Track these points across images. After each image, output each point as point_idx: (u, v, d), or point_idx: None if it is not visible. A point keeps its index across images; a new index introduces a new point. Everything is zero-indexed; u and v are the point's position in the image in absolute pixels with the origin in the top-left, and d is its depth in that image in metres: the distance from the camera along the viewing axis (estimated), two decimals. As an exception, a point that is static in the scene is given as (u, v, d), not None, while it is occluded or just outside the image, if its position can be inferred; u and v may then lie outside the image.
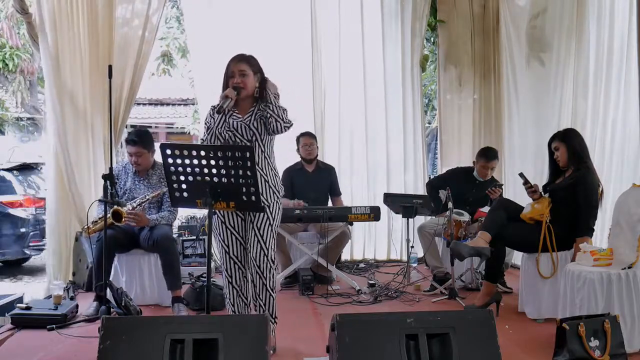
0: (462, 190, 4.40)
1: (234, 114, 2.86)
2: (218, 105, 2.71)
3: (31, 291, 4.86)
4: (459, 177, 4.59)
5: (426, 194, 4.77)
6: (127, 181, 3.94)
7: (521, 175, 3.66)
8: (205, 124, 2.92)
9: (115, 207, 3.54)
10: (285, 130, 2.81)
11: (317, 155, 4.90)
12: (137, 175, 3.95)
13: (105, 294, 3.42)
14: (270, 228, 2.84)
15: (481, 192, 4.38)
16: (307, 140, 4.79)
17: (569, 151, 3.48)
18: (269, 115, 2.75)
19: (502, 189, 4.39)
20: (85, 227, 3.81)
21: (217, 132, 2.82)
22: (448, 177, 4.66)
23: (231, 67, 2.83)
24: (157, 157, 3.97)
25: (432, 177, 6.03)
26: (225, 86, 2.84)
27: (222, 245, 2.90)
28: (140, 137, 3.90)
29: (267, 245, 2.83)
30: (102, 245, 3.57)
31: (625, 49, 4.07)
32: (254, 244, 2.82)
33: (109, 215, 3.56)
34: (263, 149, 2.85)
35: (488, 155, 4.49)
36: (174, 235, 5.11)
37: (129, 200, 3.81)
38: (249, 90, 2.82)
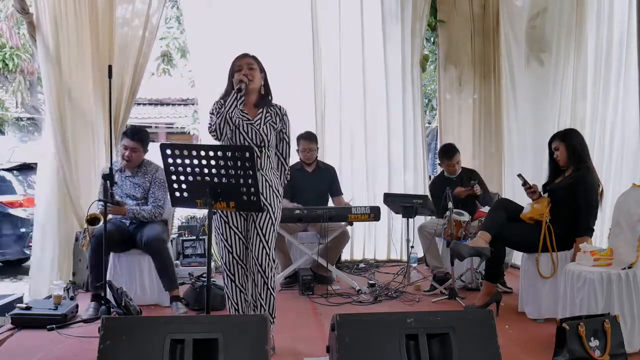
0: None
1: (243, 112, 2.87)
2: (235, 91, 2.76)
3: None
4: (441, 184, 4.54)
5: (426, 194, 4.78)
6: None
7: (520, 176, 3.66)
8: (212, 113, 2.89)
9: (90, 215, 3.57)
10: None
11: (317, 157, 4.88)
12: (123, 173, 3.95)
13: (105, 294, 3.42)
14: (272, 227, 2.87)
15: (465, 187, 4.45)
16: (306, 145, 4.71)
17: (569, 151, 3.48)
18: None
19: (477, 180, 4.46)
20: (82, 244, 3.82)
21: (227, 116, 2.79)
22: (434, 190, 4.69)
23: (238, 62, 2.88)
24: (149, 157, 3.99)
25: (430, 181, 6.05)
26: (232, 81, 2.85)
27: (225, 245, 2.90)
28: (139, 134, 3.95)
29: (269, 245, 2.86)
30: (96, 244, 3.58)
31: (625, 49, 4.07)
32: (257, 242, 2.84)
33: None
34: (269, 154, 2.89)
35: (448, 154, 4.63)
36: (174, 236, 5.13)
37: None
38: (255, 84, 2.86)
